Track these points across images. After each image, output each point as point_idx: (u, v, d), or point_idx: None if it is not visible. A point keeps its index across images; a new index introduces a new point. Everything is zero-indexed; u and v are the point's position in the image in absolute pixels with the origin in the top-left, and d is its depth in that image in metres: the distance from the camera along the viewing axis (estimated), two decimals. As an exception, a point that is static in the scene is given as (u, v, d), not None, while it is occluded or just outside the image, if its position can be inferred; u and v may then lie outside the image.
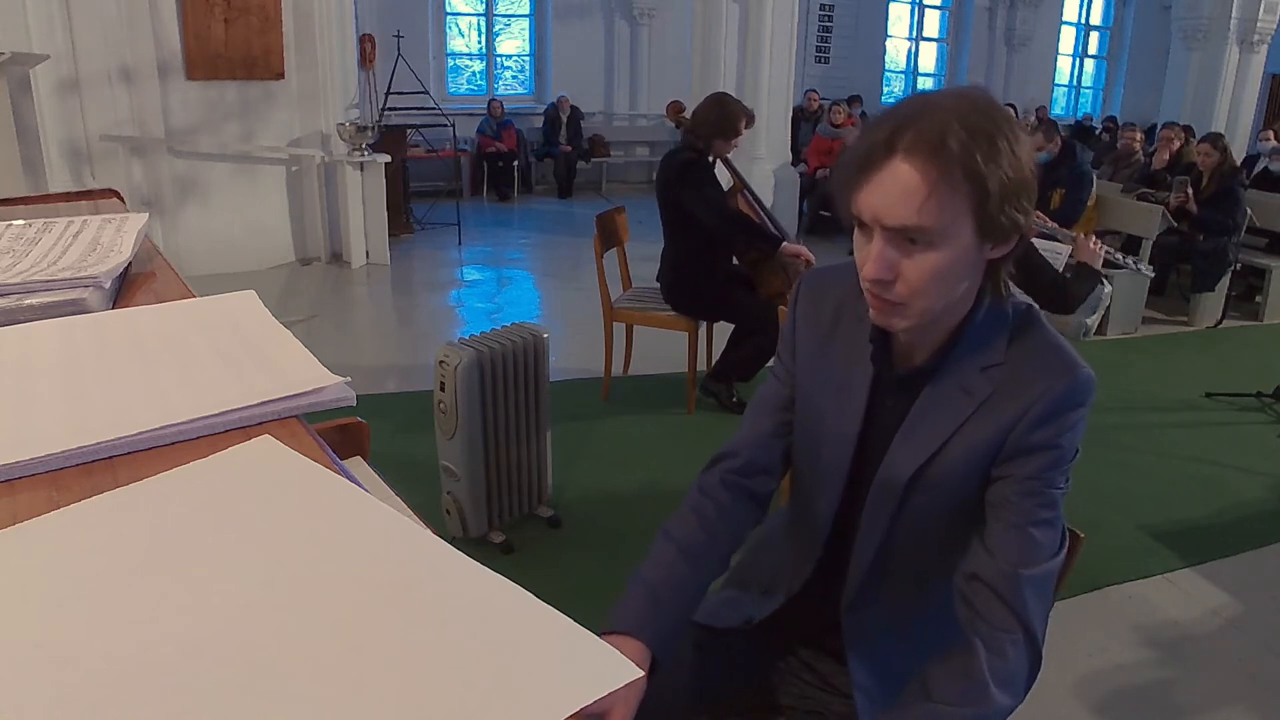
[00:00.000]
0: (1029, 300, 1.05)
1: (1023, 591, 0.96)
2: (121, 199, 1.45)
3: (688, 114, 3.88)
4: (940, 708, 0.95)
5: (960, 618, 1.01)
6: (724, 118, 3.40)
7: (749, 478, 1.15)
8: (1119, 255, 2.82)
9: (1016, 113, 9.30)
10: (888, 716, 0.98)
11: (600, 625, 1.04)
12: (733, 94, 3.89)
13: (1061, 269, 2.67)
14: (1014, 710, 0.99)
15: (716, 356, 3.95)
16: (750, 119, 3.49)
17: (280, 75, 5.81)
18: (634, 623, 1.00)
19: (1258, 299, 5.89)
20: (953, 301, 0.96)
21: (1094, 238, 2.65)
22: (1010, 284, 1.01)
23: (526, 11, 10.59)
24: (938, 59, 13.25)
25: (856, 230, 0.95)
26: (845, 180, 0.92)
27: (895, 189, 0.88)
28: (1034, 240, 2.70)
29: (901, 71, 13.15)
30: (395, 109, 7.76)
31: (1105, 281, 5.06)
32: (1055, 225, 2.79)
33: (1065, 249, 2.69)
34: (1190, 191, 5.42)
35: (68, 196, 1.46)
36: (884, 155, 0.88)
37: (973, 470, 1.00)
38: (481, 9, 10.43)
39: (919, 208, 0.87)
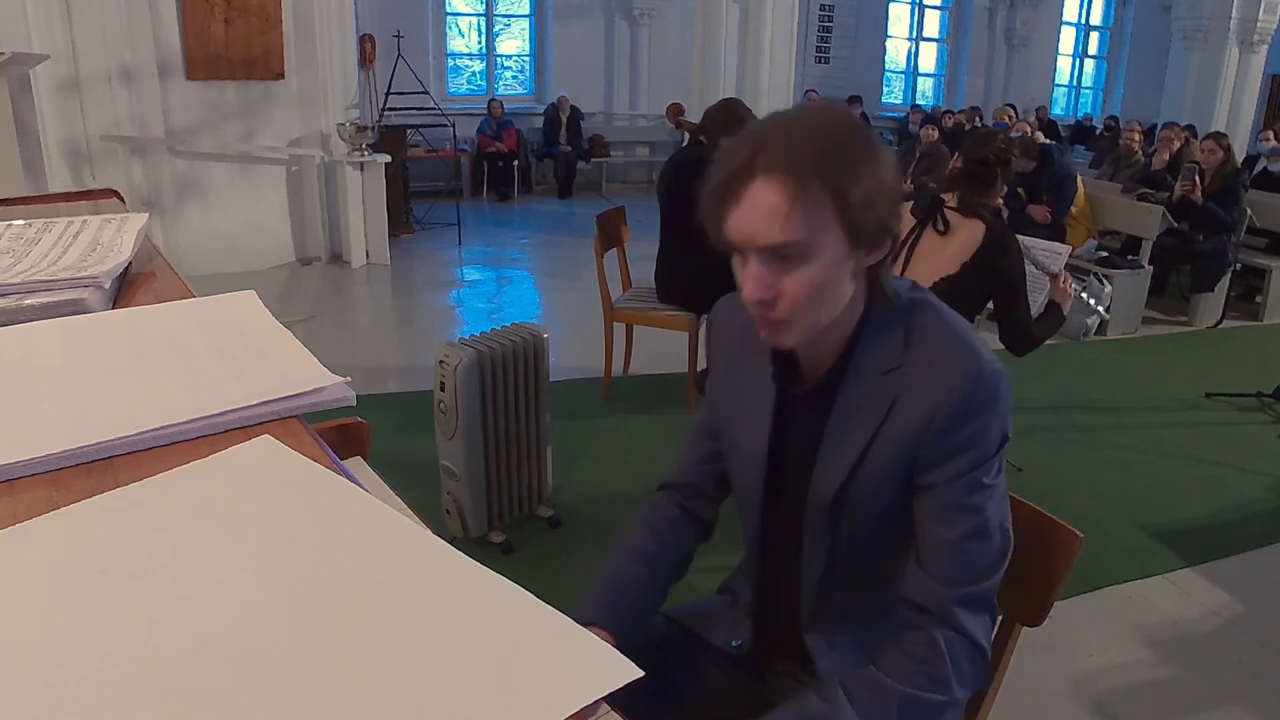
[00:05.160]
0: (923, 294, 1.04)
1: (958, 612, 0.97)
2: (121, 199, 1.45)
3: (687, 115, 3.89)
4: (885, 679, 0.97)
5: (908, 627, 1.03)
6: (733, 118, 3.41)
7: (691, 501, 1.23)
8: (1083, 295, 2.93)
9: (1016, 113, 9.29)
10: (838, 678, 1.00)
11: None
12: (734, 94, 3.90)
13: (1046, 289, 2.73)
14: (957, 703, 1.01)
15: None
16: None
17: (280, 75, 5.81)
18: (596, 612, 1.07)
19: (1258, 299, 5.89)
20: (837, 311, 0.97)
21: (1066, 276, 2.69)
22: (890, 285, 1.01)
23: (526, 11, 10.58)
24: (938, 59, 13.24)
25: (735, 255, 0.96)
26: (712, 209, 0.94)
27: (759, 209, 0.90)
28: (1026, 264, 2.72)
29: (901, 71, 13.14)
30: (395, 109, 7.76)
31: (1106, 281, 5.08)
32: (1040, 254, 2.84)
33: (1046, 284, 2.75)
34: (1198, 179, 5.42)
35: (68, 196, 1.46)
36: (744, 179, 0.91)
37: (896, 477, 1.01)
38: (481, 9, 10.42)
39: (783, 224, 0.89)
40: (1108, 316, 3.09)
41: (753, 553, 1.17)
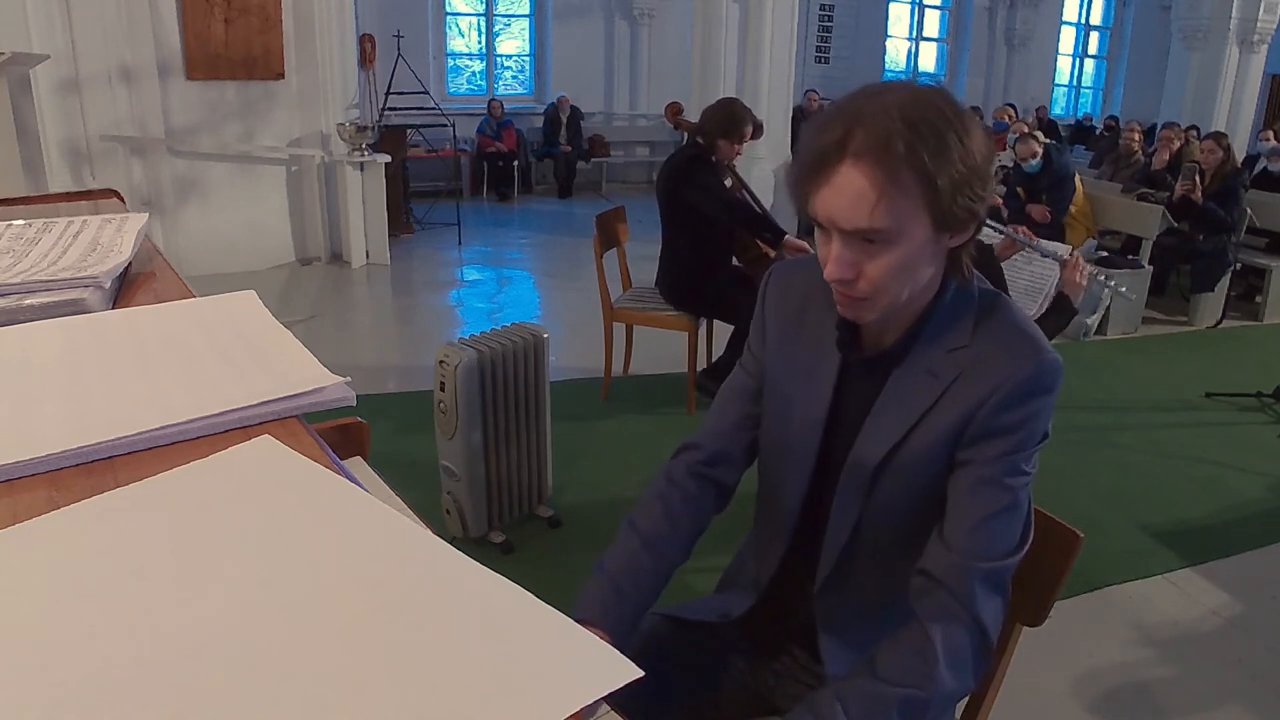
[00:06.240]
0: (996, 291, 1.05)
1: (973, 585, 0.96)
2: (121, 199, 1.45)
3: (686, 115, 3.88)
4: (883, 686, 0.96)
5: (914, 608, 1.01)
6: (730, 119, 3.40)
7: (713, 467, 1.18)
8: (1100, 277, 2.66)
9: (1016, 113, 9.29)
10: (833, 690, 0.99)
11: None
12: (734, 95, 3.90)
13: (1048, 289, 2.51)
14: (958, 696, 1.00)
15: (716, 354, 3.95)
16: (758, 129, 3.50)
17: (280, 75, 5.81)
18: (597, 611, 1.05)
19: (1258, 299, 5.89)
20: (917, 289, 0.98)
21: (1079, 260, 2.35)
22: (971, 264, 1.01)
23: (526, 11, 10.58)
24: (938, 59, 13.24)
25: (817, 229, 0.97)
26: (800, 183, 0.94)
27: (847, 194, 0.90)
28: (1024, 254, 2.56)
29: (901, 72, 13.13)
30: (395, 109, 7.76)
31: (1106, 281, 5.07)
32: (1046, 242, 2.59)
33: (1055, 270, 2.44)
34: (1198, 179, 5.42)
35: (68, 196, 1.46)
36: (834, 160, 0.90)
37: (939, 454, 1.01)
38: (481, 9, 10.42)
39: (870, 211, 0.89)
40: (1132, 297, 2.83)
41: (782, 521, 1.15)
